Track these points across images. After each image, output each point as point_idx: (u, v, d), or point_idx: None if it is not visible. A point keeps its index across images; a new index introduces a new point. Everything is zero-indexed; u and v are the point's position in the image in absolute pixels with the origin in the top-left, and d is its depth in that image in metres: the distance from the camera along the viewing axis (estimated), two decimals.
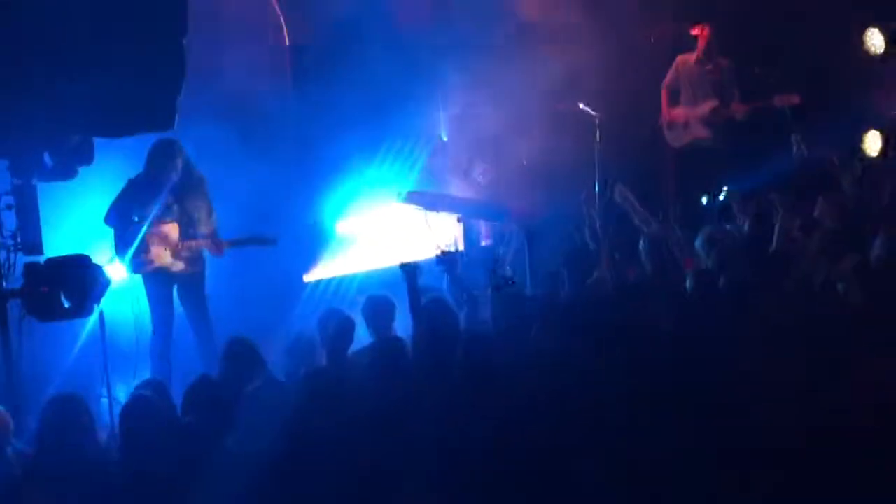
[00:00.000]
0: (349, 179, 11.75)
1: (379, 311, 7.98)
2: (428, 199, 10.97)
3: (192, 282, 9.75)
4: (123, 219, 9.41)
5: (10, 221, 7.19)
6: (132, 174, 9.56)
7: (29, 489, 6.10)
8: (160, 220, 9.48)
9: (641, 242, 8.53)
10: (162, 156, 9.42)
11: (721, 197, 11.50)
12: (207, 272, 9.87)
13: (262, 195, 10.83)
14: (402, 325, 8.04)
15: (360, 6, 11.70)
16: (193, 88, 6.29)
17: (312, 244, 11.55)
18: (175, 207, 9.57)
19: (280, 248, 10.11)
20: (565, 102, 11.94)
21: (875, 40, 10.46)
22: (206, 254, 9.76)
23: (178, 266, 9.62)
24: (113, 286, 7.93)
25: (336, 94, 11.67)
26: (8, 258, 7.25)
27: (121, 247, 9.34)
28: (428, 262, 9.02)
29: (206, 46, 9.37)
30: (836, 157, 9.90)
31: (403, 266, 7.85)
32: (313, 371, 7.15)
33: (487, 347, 6.98)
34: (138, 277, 9.58)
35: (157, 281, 9.61)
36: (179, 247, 9.58)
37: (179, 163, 9.50)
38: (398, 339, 7.57)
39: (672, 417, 6.09)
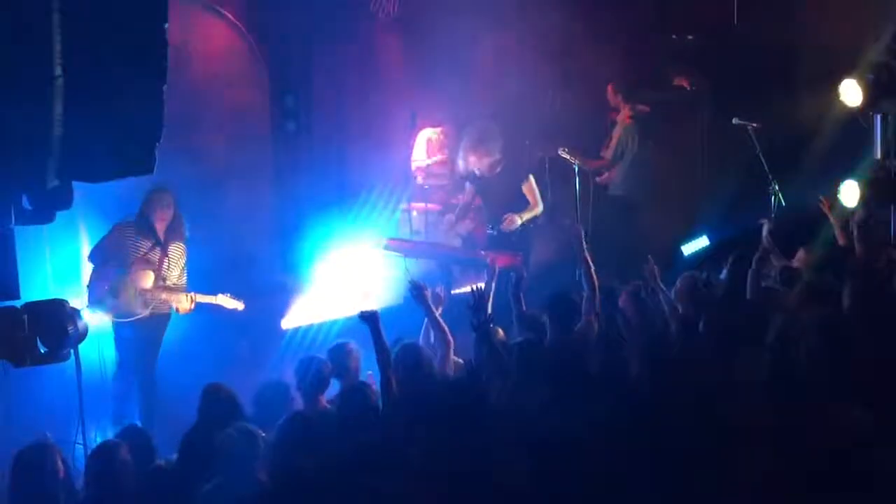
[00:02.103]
0: (327, 225, 11.75)
1: (342, 358, 7.94)
2: (407, 247, 10.96)
3: (152, 328, 9.75)
4: (105, 260, 9.50)
5: None
6: (111, 218, 9.59)
7: None
8: (138, 266, 9.53)
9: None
10: (155, 203, 9.63)
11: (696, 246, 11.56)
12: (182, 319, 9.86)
13: (239, 240, 10.81)
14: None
15: (341, 52, 11.76)
16: (172, 131, 6.28)
17: (290, 291, 11.51)
18: (155, 257, 9.65)
19: (257, 294, 10.08)
20: (545, 149, 12.01)
21: (851, 91, 10.52)
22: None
23: (145, 313, 9.63)
24: (91, 331, 7.88)
25: (315, 138, 11.70)
26: None
27: (93, 287, 9.44)
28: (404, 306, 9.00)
29: (185, 90, 9.44)
30: (827, 199, 9.93)
31: (362, 315, 7.73)
32: (290, 415, 7.11)
33: (464, 394, 6.97)
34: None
35: (126, 326, 9.62)
36: (150, 296, 9.60)
37: (170, 213, 9.67)
38: (364, 386, 7.54)
39: (652, 467, 6.07)
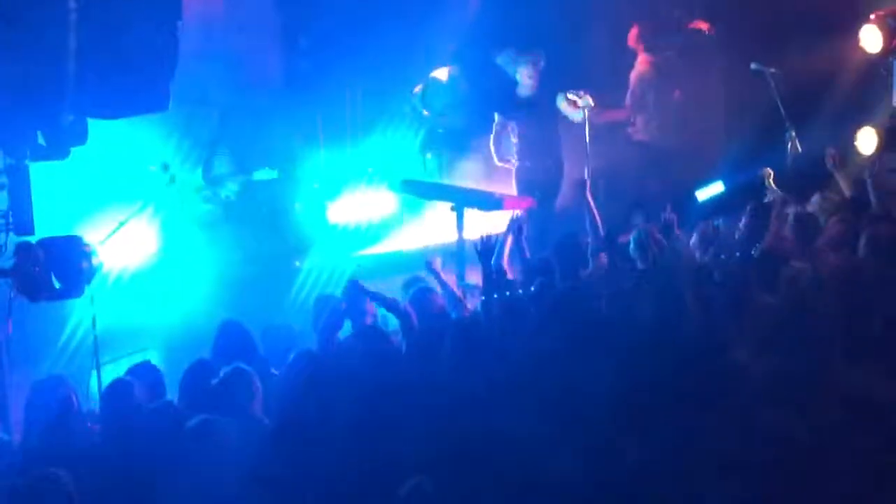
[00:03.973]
0: (343, 165, 11.72)
1: (356, 298, 8.00)
2: (421, 188, 10.95)
3: None
4: None
5: (2, 201, 7.18)
6: (121, 155, 9.61)
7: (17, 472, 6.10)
8: None
9: (631, 238, 8.51)
10: None
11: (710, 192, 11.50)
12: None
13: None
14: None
15: None
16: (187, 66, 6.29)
17: (304, 229, 11.51)
18: None
19: (273, 234, 10.14)
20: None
21: (871, 37, 10.43)
22: None
23: None
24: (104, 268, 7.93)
25: (329, 78, 11.65)
26: None
27: None
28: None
29: (200, 22, 9.40)
30: (835, 152, 9.83)
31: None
32: (304, 354, 7.17)
33: (474, 336, 7.02)
34: None
35: None
36: None
37: None
38: (379, 330, 7.59)
39: (662, 416, 6.08)
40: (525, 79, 11.22)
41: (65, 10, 5.82)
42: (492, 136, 11.59)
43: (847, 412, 5.91)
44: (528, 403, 6.31)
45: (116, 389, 6.68)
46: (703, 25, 12.75)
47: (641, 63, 12.32)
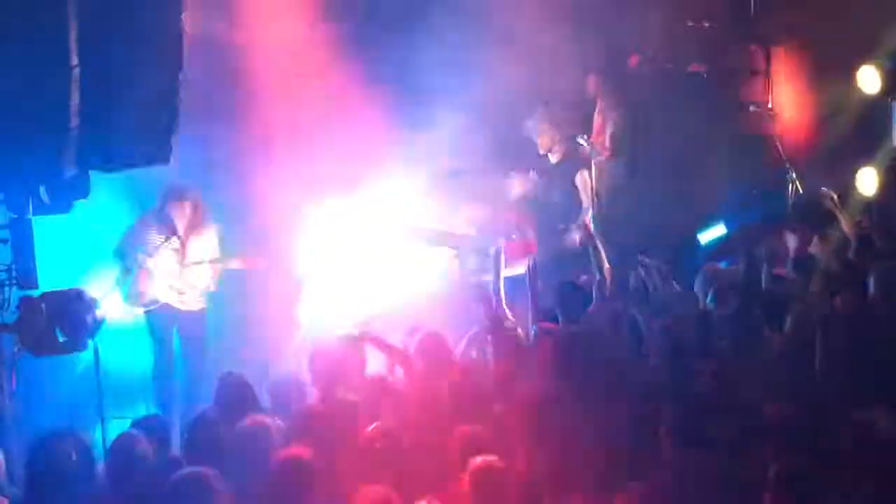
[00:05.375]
0: (344, 214, 11.72)
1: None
2: (425, 235, 10.96)
3: (188, 321, 9.94)
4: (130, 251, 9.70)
5: (6, 255, 7.19)
6: (125, 207, 9.74)
7: None
8: (160, 254, 9.72)
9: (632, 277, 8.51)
10: (175, 209, 9.86)
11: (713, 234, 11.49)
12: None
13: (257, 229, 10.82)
14: None
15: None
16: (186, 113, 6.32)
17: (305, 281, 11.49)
18: (177, 245, 9.83)
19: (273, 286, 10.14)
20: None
21: (870, 79, 10.48)
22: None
23: (174, 302, 9.79)
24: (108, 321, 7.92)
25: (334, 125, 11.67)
26: (3, 292, 7.24)
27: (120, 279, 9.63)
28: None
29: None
30: (833, 193, 9.83)
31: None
32: (305, 408, 7.14)
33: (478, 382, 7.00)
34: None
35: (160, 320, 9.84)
36: (174, 281, 9.75)
37: (189, 216, 9.89)
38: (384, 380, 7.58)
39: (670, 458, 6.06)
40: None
41: (67, 65, 5.86)
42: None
43: (857, 452, 5.89)
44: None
45: (122, 444, 6.65)
46: (700, 68, 12.79)
47: (607, 106, 12.24)
